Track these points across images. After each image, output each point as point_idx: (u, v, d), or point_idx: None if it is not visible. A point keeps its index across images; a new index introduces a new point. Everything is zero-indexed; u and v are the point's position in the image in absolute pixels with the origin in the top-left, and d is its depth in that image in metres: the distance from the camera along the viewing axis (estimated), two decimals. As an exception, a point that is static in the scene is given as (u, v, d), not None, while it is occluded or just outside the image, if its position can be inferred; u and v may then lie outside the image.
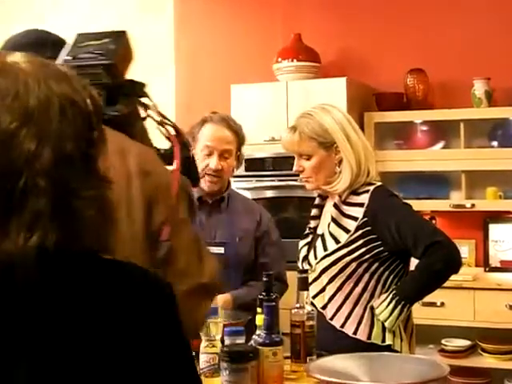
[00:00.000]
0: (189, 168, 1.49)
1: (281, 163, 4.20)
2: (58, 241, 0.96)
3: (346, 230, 2.44)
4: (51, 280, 0.97)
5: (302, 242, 2.62)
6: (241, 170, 3.74)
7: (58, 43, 1.68)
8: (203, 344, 2.16)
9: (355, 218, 2.44)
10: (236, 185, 3.82)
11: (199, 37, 5.01)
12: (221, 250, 2.88)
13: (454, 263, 2.40)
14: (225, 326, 2.23)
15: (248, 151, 3.23)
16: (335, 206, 2.49)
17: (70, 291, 0.99)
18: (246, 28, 4.89)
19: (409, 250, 2.40)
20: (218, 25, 4.98)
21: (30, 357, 0.96)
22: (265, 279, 2.26)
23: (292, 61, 4.43)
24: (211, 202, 2.96)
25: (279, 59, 4.47)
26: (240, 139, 2.97)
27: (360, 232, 2.42)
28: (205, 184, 2.92)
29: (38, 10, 5.36)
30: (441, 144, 4.33)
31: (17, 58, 1.04)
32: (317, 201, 2.65)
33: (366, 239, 2.41)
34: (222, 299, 2.73)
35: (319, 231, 2.57)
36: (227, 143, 2.93)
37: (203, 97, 4.80)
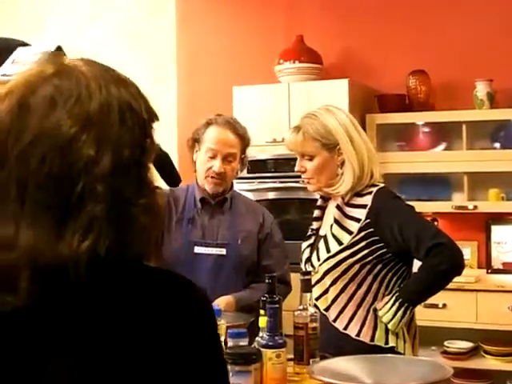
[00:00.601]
0: (163, 167, 1.38)
1: (283, 165, 4.20)
2: (109, 246, 0.96)
3: (349, 232, 2.43)
4: (99, 284, 0.97)
5: (304, 244, 2.61)
6: (243, 172, 3.74)
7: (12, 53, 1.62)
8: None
9: (358, 220, 2.43)
10: (238, 186, 3.80)
11: (201, 38, 5.00)
12: (223, 251, 2.88)
13: (457, 265, 2.39)
14: (228, 328, 2.22)
15: (250, 153, 3.22)
16: (338, 207, 2.49)
17: (117, 297, 0.99)
18: (247, 30, 4.89)
19: (411, 251, 2.39)
20: (219, 26, 4.98)
21: (72, 359, 0.96)
22: (268, 281, 2.25)
23: (294, 62, 4.43)
24: (214, 203, 2.95)
25: (281, 61, 4.47)
26: (245, 142, 2.96)
27: (363, 234, 2.41)
28: (208, 186, 2.92)
29: (38, 10, 5.35)
30: (443, 145, 4.32)
31: (76, 61, 1.03)
32: (319, 202, 2.64)
33: (368, 241, 2.40)
34: (224, 301, 2.73)
35: (322, 233, 2.56)
36: (231, 147, 2.91)
37: (205, 98, 4.79)
